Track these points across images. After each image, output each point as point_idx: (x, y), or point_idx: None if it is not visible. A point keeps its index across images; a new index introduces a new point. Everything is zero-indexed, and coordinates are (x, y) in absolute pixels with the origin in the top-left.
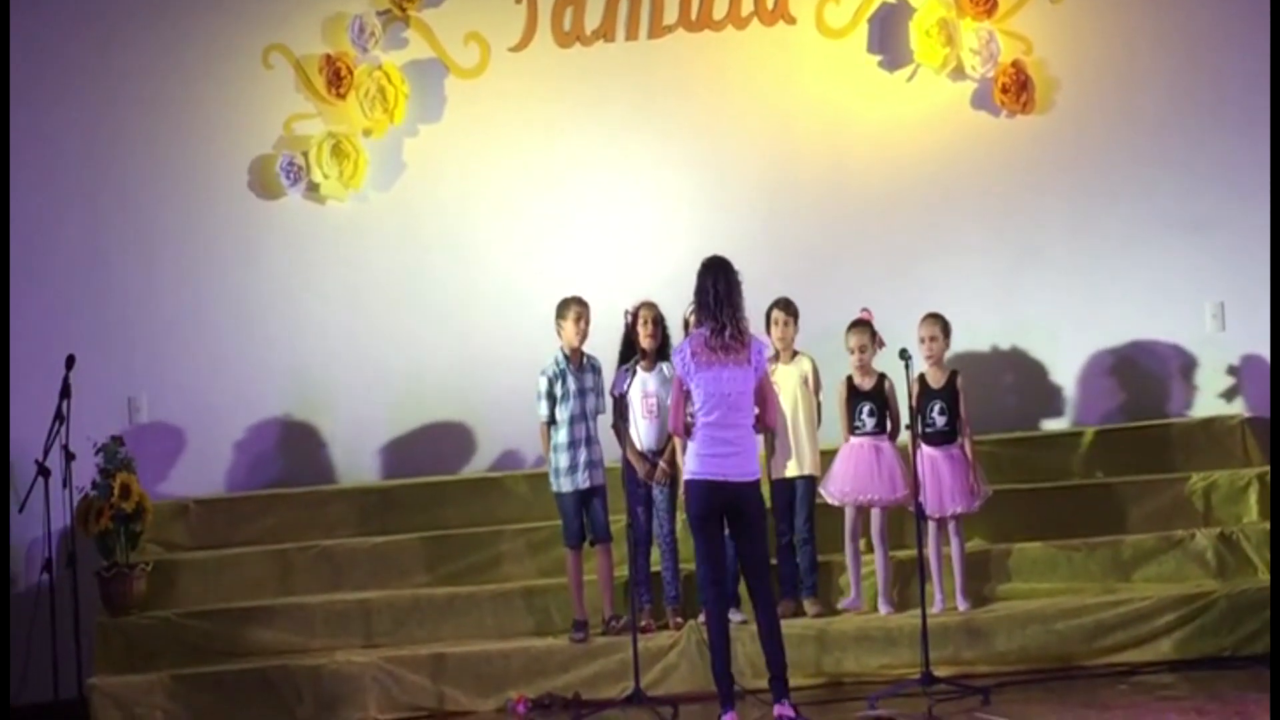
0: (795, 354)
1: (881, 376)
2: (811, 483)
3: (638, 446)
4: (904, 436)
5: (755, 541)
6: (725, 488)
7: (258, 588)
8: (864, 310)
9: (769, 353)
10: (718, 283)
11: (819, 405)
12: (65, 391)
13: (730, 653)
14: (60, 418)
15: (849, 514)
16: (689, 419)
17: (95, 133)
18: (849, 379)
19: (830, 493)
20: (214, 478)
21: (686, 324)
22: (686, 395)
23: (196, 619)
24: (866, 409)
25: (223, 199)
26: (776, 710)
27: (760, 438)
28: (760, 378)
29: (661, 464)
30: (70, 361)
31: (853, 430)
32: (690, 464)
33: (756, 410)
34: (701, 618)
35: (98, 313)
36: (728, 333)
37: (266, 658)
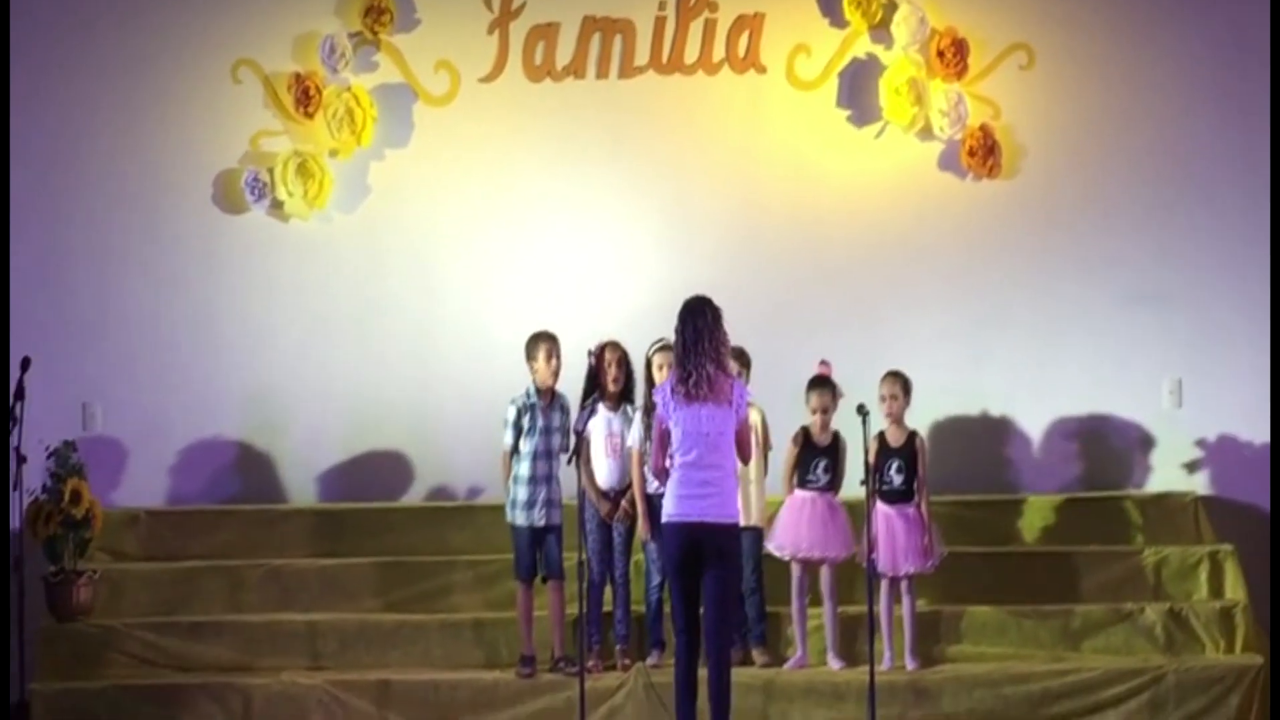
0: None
1: (836, 434)
2: (758, 534)
3: (599, 485)
4: (860, 492)
5: (725, 587)
6: (702, 529)
7: (206, 602)
8: (823, 363)
9: (749, 396)
10: (685, 329)
11: (767, 458)
12: (19, 393)
13: (695, 706)
14: (13, 419)
15: (795, 570)
16: (668, 460)
17: (60, 138)
18: (805, 430)
19: (780, 547)
20: (166, 490)
21: (648, 363)
22: (666, 435)
23: (143, 630)
24: (822, 464)
25: (186, 211)
26: None
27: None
28: (741, 420)
29: (624, 504)
30: (25, 364)
31: (805, 484)
32: (667, 505)
33: None
34: (649, 660)
35: (56, 318)
36: (691, 381)
37: (211, 673)
